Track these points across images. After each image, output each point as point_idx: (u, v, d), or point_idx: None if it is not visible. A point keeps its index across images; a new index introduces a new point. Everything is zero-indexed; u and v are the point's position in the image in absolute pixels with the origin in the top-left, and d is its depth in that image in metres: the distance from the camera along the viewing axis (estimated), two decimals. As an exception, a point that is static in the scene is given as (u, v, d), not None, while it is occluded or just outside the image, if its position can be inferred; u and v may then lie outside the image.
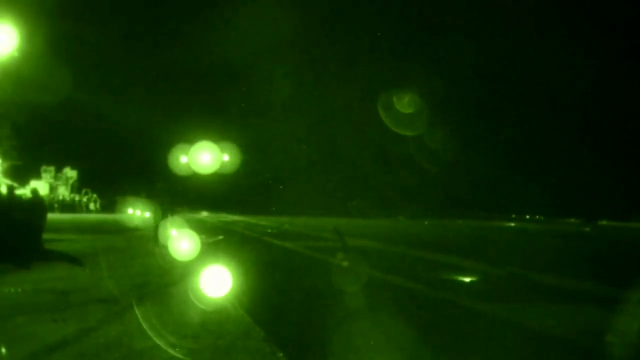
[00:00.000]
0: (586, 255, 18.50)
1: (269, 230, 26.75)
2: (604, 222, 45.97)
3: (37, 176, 50.63)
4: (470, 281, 11.37)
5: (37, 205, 14.15)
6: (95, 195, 52.99)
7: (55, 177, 53.11)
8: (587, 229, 37.09)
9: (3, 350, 5.50)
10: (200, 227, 23.57)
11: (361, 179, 54.58)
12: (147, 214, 23.37)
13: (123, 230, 22.87)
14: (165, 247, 14.09)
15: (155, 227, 15.60)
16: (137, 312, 6.91)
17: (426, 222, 41.83)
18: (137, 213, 31.25)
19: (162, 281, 9.73)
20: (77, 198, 52.36)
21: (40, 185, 43.08)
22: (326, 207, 48.10)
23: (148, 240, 16.59)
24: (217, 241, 19.03)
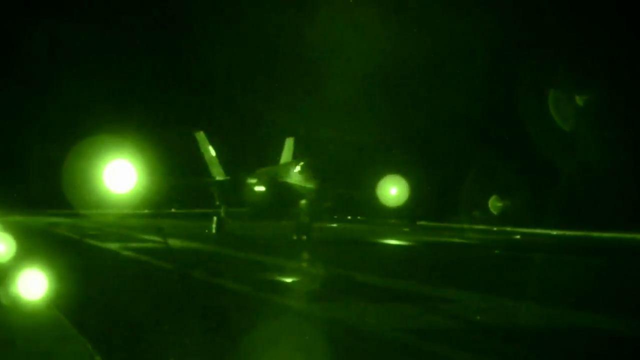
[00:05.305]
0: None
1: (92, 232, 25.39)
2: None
3: None
4: (293, 282, 11.94)
5: None
6: None
7: None
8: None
9: None
10: (19, 230, 21.53)
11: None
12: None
13: None
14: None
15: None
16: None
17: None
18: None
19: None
20: None
21: None
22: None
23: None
24: (35, 244, 17.63)
